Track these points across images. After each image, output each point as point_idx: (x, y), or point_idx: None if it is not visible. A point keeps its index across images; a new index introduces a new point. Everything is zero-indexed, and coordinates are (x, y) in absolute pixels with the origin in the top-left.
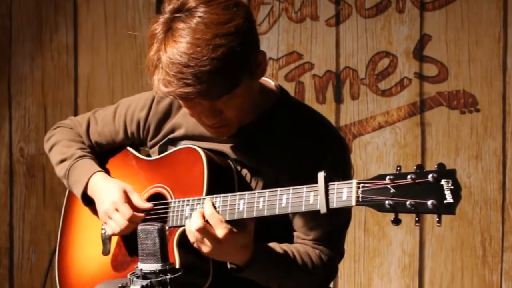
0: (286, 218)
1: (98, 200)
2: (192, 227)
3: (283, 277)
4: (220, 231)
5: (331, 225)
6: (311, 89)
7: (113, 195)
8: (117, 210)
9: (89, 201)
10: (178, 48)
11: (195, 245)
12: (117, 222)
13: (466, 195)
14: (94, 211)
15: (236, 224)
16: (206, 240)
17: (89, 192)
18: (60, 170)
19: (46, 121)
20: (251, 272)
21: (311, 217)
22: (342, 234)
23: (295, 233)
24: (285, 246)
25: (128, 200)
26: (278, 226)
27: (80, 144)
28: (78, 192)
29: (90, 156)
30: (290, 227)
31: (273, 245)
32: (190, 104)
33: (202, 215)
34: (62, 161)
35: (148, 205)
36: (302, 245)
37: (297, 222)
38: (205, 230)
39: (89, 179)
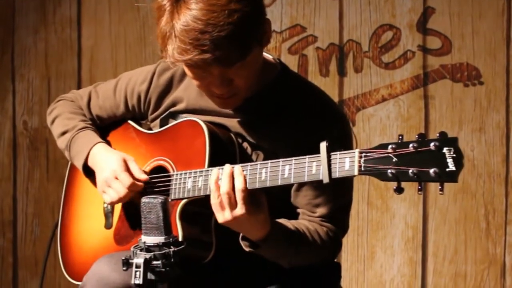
0: (288, 196)
1: (98, 169)
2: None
3: (294, 254)
4: (241, 207)
5: (336, 203)
6: (314, 62)
7: (113, 164)
8: (116, 178)
9: (89, 172)
10: (193, 15)
11: (213, 207)
12: (116, 190)
13: (470, 168)
14: (95, 183)
15: (253, 202)
16: (227, 210)
17: (90, 163)
18: (61, 142)
19: (49, 93)
20: (266, 249)
21: (316, 194)
22: (347, 211)
23: (300, 210)
24: (295, 223)
25: (128, 169)
26: (281, 204)
27: (81, 116)
28: (79, 163)
29: (92, 128)
30: (292, 205)
31: (284, 221)
32: (201, 75)
33: (231, 183)
34: (64, 133)
35: (145, 176)
36: (310, 222)
37: (302, 200)
38: (229, 199)
39: (90, 149)
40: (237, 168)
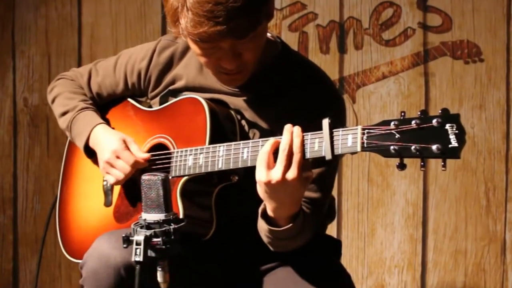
0: None
1: (99, 151)
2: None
3: (300, 236)
4: (294, 169)
5: (319, 186)
6: (314, 39)
7: (113, 144)
8: (118, 157)
9: (91, 153)
10: None
11: (260, 163)
12: (120, 169)
13: (470, 145)
14: (96, 162)
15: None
16: (277, 169)
17: (91, 144)
18: (62, 123)
19: (49, 71)
20: (295, 227)
21: None
22: (327, 195)
23: None
24: None
25: (128, 149)
26: None
27: (82, 96)
28: (80, 144)
29: (92, 108)
30: None
31: None
32: (211, 50)
33: (291, 139)
34: (65, 113)
35: (146, 155)
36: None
37: None
38: (288, 155)
39: (91, 131)
40: (297, 128)
